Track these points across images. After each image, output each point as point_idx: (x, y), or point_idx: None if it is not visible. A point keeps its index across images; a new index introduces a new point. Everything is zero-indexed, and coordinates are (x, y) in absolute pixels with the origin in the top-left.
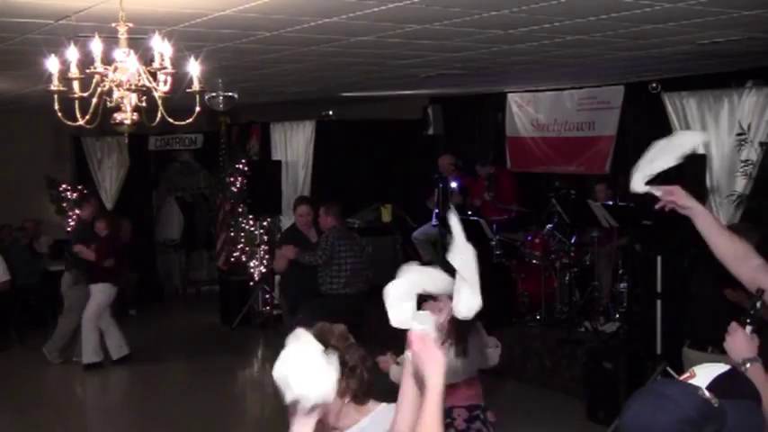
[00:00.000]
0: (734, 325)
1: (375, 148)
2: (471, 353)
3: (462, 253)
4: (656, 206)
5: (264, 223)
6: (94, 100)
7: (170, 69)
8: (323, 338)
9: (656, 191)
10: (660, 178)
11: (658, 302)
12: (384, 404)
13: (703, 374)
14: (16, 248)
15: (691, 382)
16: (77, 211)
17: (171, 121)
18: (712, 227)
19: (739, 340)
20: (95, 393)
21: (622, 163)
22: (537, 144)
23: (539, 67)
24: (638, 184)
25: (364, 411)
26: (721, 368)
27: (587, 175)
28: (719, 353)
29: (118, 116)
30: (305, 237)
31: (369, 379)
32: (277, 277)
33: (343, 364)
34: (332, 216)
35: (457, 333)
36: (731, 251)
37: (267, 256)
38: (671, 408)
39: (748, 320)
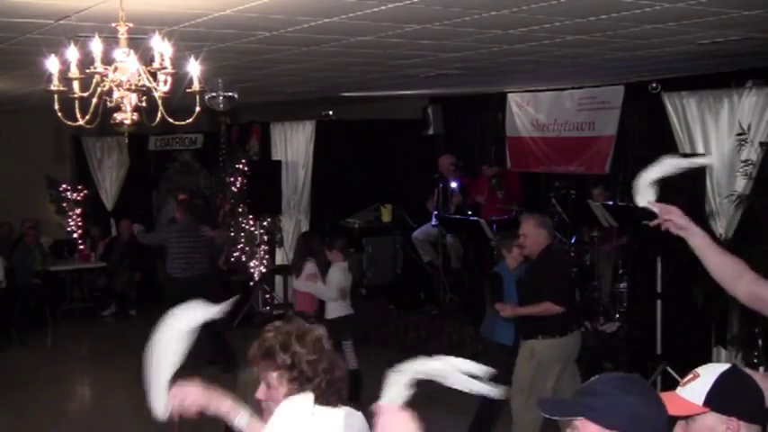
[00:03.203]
0: None
1: (375, 148)
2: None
3: None
4: (651, 223)
5: (264, 223)
6: (94, 100)
7: (170, 69)
8: (294, 338)
9: (654, 207)
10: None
11: (658, 302)
12: (347, 408)
13: (707, 374)
14: (21, 248)
15: (695, 381)
16: None
17: (171, 121)
18: (707, 248)
19: None
20: (95, 393)
21: (622, 163)
22: (537, 144)
23: (539, 67)
24: (642, 195)
25: None
26: (723, 367)
27: (587, 175)
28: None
29: (118, 116)
30: None
31: (326, 389)
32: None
33: (300, 372)
34: (179, 211)
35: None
36: (727, 271)
37: (267, 256)
38: None
39: None
